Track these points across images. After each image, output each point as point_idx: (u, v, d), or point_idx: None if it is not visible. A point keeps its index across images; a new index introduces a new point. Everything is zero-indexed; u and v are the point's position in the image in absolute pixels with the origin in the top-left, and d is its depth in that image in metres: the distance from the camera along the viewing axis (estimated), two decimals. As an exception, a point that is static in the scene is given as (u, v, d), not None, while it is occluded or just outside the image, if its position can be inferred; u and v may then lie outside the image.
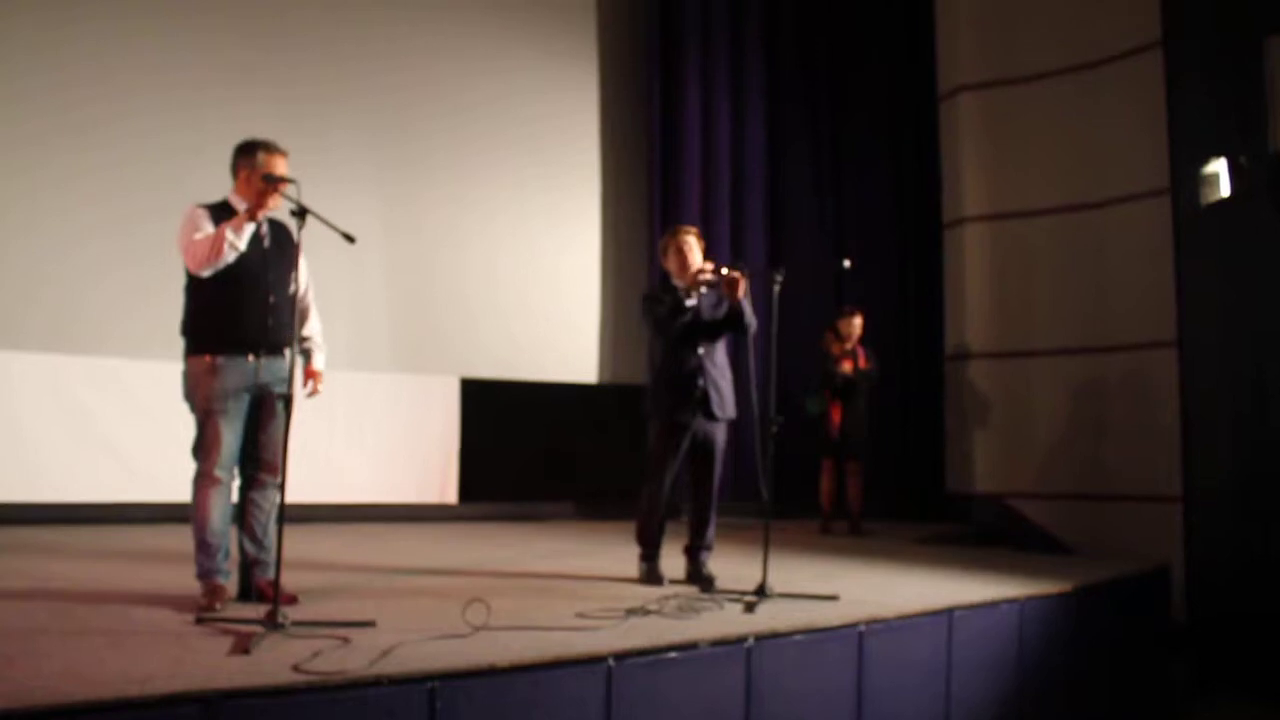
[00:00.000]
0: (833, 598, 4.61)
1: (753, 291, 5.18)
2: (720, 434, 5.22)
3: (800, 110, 9.81)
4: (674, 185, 9.19)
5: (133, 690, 2.79)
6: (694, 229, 5.41)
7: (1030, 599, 5.07)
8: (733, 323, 5.13)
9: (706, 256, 5.33)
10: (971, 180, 8.72)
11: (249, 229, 4.04)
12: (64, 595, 4.19)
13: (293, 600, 4.01)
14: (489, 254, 8.54)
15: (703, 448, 5.18)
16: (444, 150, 8.43)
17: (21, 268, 6.76)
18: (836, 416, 8.02)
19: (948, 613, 4.59)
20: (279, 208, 4.11)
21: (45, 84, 6.88)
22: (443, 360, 8.31)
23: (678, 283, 5.26)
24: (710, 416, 5.15)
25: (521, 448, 8.49)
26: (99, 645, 3.32)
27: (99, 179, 6.98)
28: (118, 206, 6.98)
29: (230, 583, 4.11)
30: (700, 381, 5.12)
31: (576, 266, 9.04)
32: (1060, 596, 5.27)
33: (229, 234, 3.99)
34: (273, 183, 4.02)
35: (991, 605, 4.85)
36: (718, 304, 5.19)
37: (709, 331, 5.18)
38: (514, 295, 8.62)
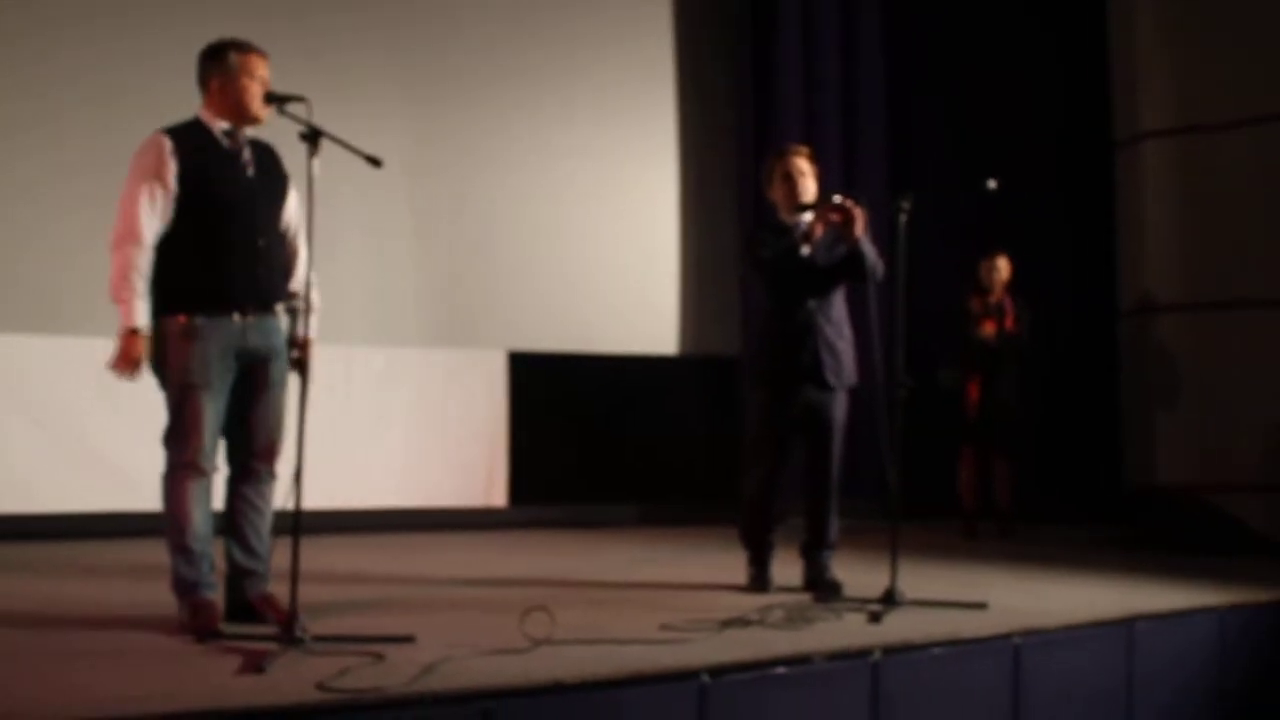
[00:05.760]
0: (980, 606, 4.68)
1: (873, 227, 5.24)
2: (838, 407, 5.32)
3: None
4: (768, 104, 9.21)
5: (130, 710, 2.96)
6: (806, 149, 5.51)
7: (1233, 608, 5.09)
8: (852, 268, 5.19)
9: (820, 184, 5.41)
10: (1153, 84, 8.61)
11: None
12: (45, 616, 4.41)
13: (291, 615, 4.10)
14: (539, 196, 8.62)
15: (816, 423, 5.29)
16: (482, 67, 8.51)
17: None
18: (975, 392, 8.02)
19: (1127, 624, 4.64)
20: (264, 122, 4.22)
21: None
22: (486, 331, 8.44)
23: (786, 219, 5.34)
24: (823, 385, 5.25)
25: (586, 437, 8.61)
26: (87, 666, 3.51)
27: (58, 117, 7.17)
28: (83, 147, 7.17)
29: (218, 598, 4.21)
30: (811, 342, 5.22)
31: (649, 209, 9.09)
32: (1271, 606, 5.27)
33: (126, 295, 4.06)
34: (278, 102, 4.10)
35: (1183, 615, 4.89)
36: (834, 245, 5.26)
37: (824, 279, 5.25)
38: (573, 247, 8.69)
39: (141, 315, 4.06)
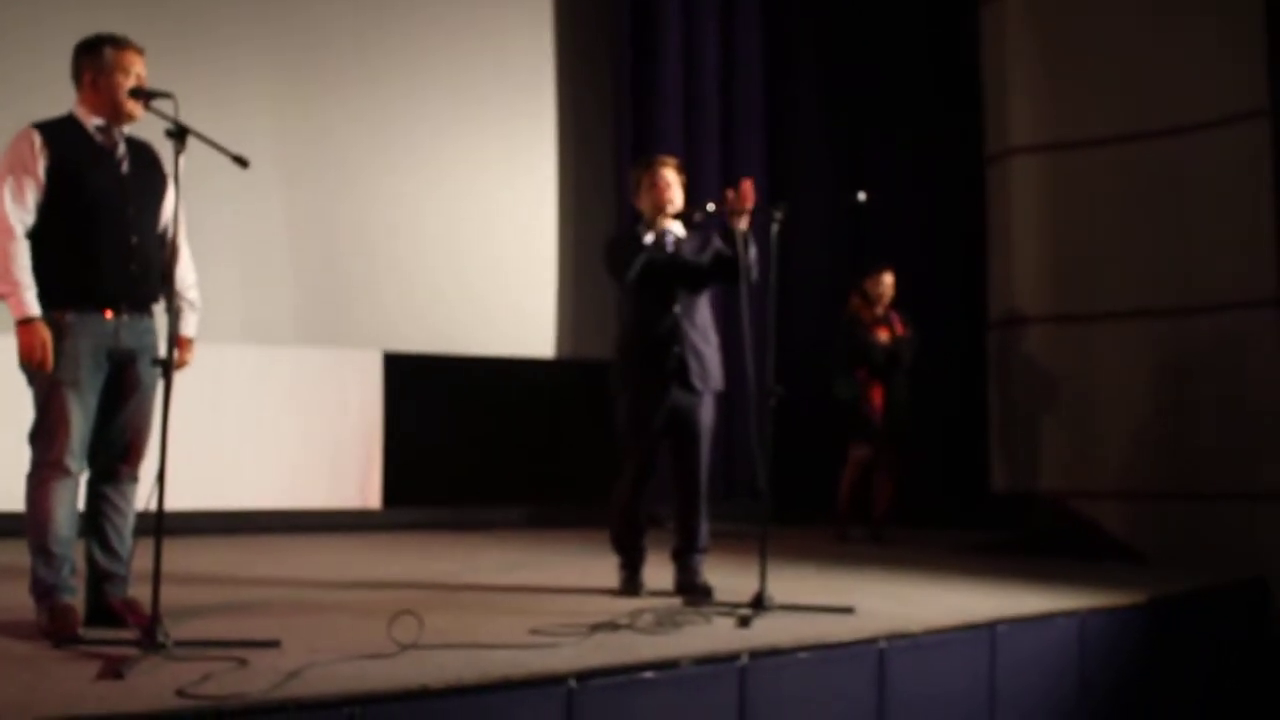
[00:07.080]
0: (847, 610, 4.74)
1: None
2: (704, 410, 5.32)
3: (805, 17, 9.91)
4: (647, 115, 9.28)
5: (-20, 720, 2.88)
6: (673, 159, 5.51)
7: (1093, 612, 5.22)
8: (722, 270, 5.23)
9: (688, 196, 5.43)
10: (1021, 101, 8.81)
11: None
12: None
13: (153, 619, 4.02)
14: (419, 198, 8.58)
15: (682, 428, 5.29)
16: (361, 67, 8.44)
17: None
18: (879, 397, 8.09)
19: (990, 627, 4.73)
20: (139, 118, 4.13)
21: None
22: (362, 331, 8.37)
23: (649, 230, 5.35)
24: (689, 388, 5.25)
25: (461, 440, 8.56)
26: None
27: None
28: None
29: (77, 602, 4.10)
30: (675, 346, 5.22)
31: (528, 215, 9.09)
32: (1131, 610, 5.43)
33: (8, 289, 3.96)
34: (143, 98, 4.05)
35: (1044, 619, 5.01)
36: (701, 249, 5.30)
37: (690, 277, 5.27)
38: (451, 250, 8.67)
39: (33, 305, 3.97)
